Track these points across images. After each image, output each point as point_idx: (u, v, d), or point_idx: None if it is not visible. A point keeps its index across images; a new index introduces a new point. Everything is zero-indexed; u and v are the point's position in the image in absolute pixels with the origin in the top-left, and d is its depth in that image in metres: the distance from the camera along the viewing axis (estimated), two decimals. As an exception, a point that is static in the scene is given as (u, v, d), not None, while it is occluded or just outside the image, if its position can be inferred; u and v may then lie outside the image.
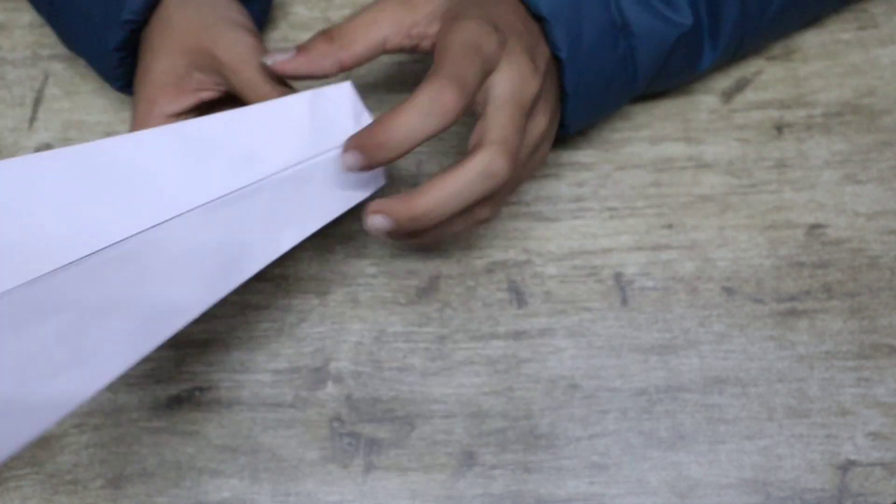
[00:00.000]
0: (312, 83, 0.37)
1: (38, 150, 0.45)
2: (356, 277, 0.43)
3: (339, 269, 0.43)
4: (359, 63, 0.35)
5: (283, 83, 0.37)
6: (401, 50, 0.36)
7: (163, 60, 0.36)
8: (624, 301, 0.42)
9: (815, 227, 0.43)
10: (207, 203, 0.33)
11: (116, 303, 0.31)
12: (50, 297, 0.29)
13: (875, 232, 0.43)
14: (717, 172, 0.44)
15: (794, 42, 0.46)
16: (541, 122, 0.35)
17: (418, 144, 0.31)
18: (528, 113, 0.33)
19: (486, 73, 0.32)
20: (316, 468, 0.40)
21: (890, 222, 0.43)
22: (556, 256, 0.43)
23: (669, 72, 0.40)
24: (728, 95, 0.45)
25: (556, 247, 0.43)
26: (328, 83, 0.36)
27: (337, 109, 0.35)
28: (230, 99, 0.38)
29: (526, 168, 0.36)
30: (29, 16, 0.47)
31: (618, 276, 0.42)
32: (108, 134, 0.46)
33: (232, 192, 0.33)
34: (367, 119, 0.36)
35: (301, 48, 0.35)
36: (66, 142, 0.45)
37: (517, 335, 0.41)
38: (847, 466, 0.39)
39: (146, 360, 0.41)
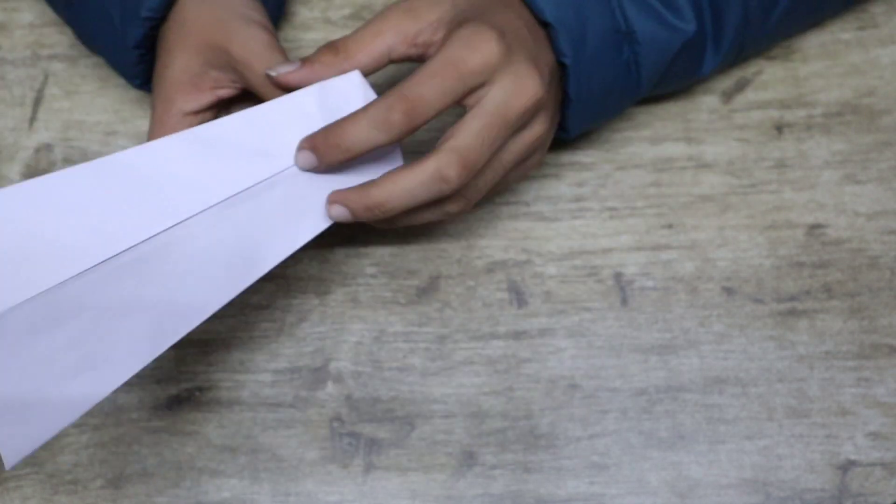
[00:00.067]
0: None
1: (37, 150, 0.45)
2: (356, 277, 0.43)
3: (339, 269, 0.43)
4: (364, 74, 0.35)
5: None
6: (408, 59, 0.36)
7: (179, 59, 0.36)
8: (624, 301, 0.42)
9: (815, 227, 0.43)
10: (220, 202, 0.33)
11: (130, 305, 0.32)
12: (65, 305, 0.30)
13: (875, 232, 0.43)
14: (718, 172, 0.44)
15: (794, 42, 0.46)
16: (537, 129, 0.36)
17: (368, 151, 0.33)
18: (514, 124, 0.34)
19: (470, 85, 0.33)
20: (316, 468, 0.40)
21: (890, 222, 0.43)
22: (556, 256, 0.43)
23: (672, 77, 0.40)
24: (728, 95, 0.45)
25: (556, 247, 0.43)
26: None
27: (346, 99, 0.35)
28: (248, 96, 0.38)
29: (516, 172, 0.37)
30: (29, 16, 0.47)
31: (618, 276, 0.42)
32: (108, 134, 0.46)
33: (245, 190, 0.34)
34: None
35: (306, 60, 0.35)
36: (66, 142, 0.45)
37: (517, 335, 0.41)
38: (847, 466, 0.39)
39: (146, 360, 0.41)
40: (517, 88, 0.34)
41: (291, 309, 0.42)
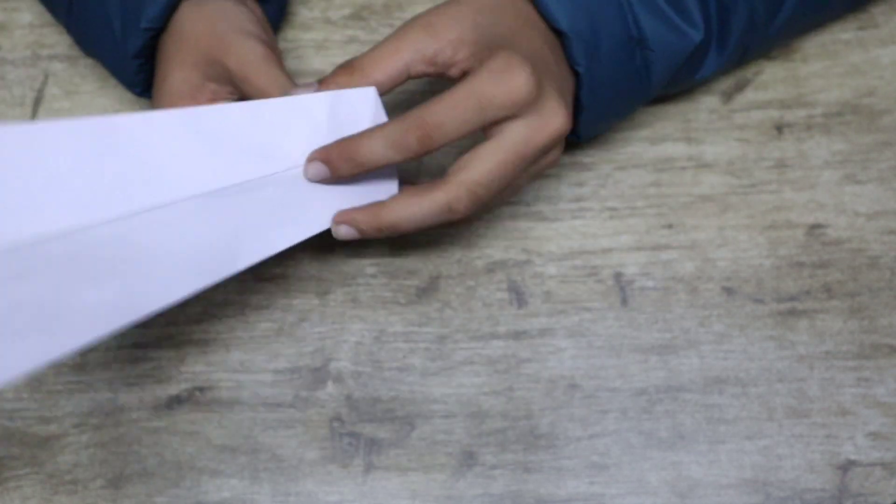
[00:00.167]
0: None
1: (38, 150, 0.45)
2: (356, 277, 0.43)
3: (339, 269, 0.43)
4: (382, 93, 0.35)
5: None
6: (426, 76, 0.36)
7: (177, 72, 0.36)
8: (624, 301, 0.42)
9: (815, 227, 0.43)
10: (209, 192, 0.33)
11: (96, 275, 0.31)
12: (31, 261, 0.29)
13: (875, 232, 0.43)
14: (718, 172, 0.44)
15: (794, 42, 0.46)
16: (554, 155, 0.36)
17: (380, 167, 0.34)
18: (532, 159, 0.35)
19: (493, 119, 0.33)
20: (316, 468, 0.40)
21: (890, 222, 0.43)
22: (556, 256, 0.43)
23: (675, 80, 0.40)
24: (728, 95, 0.45)
25: (556, 247, 0.43)
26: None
27: (356, 113, 0.35)
28: None
29: (520, 185, 0.38)
30: (29, 16, 0.47)
31: (618, 276, 0.42)
32: (108, 134, 0.46)
33: (236, 184, 0.34)
34: None
35: (322, 82, 0.35)
36: (66, 142, 0.45)
37: (517, 335, 0.41)
38: (847, 466, 0.39)
39: (146, 359, 0.41)
40: (541, 125, 0.34)
41: (291, 309, 0.42)
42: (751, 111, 0.45)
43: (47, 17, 0.47)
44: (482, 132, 0.34)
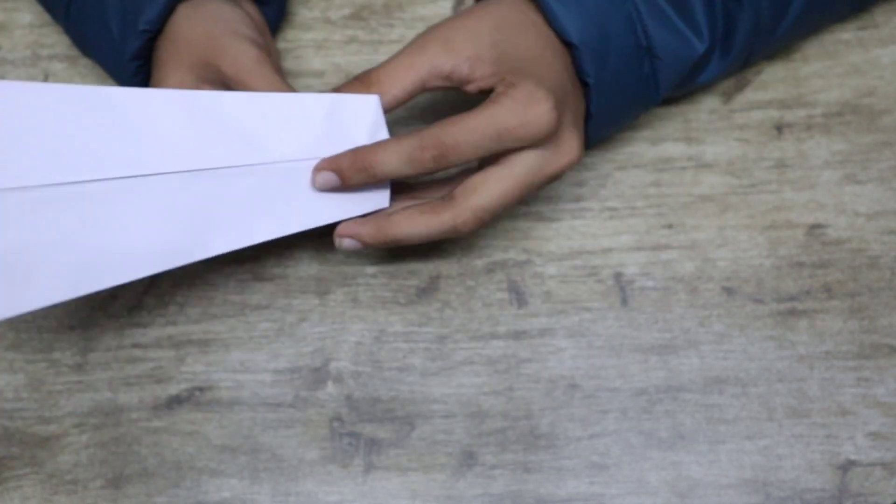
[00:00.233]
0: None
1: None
2: (356, 277, 0.43)
3: (339, 269, 0.43)
4: (396, 106, 0.35)
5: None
6: (442, 89, 0.36)
7: (172, 74, 0.37)
8: (624, 301, 0.42)
9: (815, 227, 0.43)
10: (187, 171, 0.33)
11: (62, 237, 0.31)
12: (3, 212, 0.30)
13: (875, 232, 0.43)
14: (718, 172, 0.44)
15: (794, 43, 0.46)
16: (561, 175, 0.37)
17: (391, 179, 0.35)
18: (541, 186, 0.36)
19: (509, 147, 0.34)
20: (316, 468, 0.40)
21: (890, 222, 0.43)
22: (556, 256, 0.43)
23: (680, 85, 0.40)
24: (728, 95, 0.45)
25: (556, 247, 0.43)
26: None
27: (355, 119, 0.35)
28: None
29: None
30: (29, 16, 0.47)
31: (618, 276, 0.42)
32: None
33: (216, 168, 0.34)
34: (383, 136, 0.35)
35: (337, 91, 0.35)
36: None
37: (517, 335, 0.41)
38: (847, 466, 0.39)
39: (146, 359, 0.41)
40: (554, 157, 0.35)
41: (291, 309, 0.42)
42: (751, 111, 0.45)
43: (47, 17, 0.47)
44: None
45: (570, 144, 0.35)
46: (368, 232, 0.36)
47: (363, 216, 0.37)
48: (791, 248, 0.43)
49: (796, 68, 0.46)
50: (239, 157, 0.34)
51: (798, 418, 0.40)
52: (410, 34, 0.46)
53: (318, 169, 0.35)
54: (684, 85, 0.41)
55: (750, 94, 0.45)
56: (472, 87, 0.35)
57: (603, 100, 0.37)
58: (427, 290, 0.42)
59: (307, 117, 0.35)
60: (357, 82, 0.35)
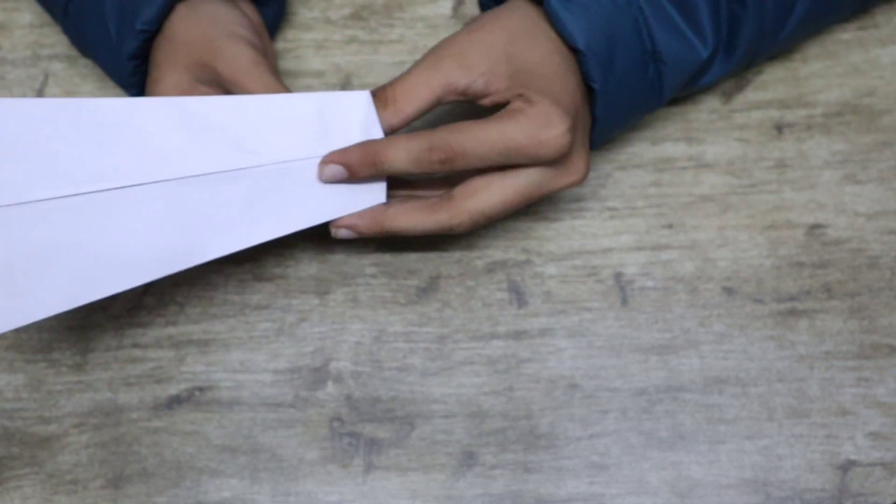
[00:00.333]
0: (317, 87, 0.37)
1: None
2: (356, 277, 0.43)
3: (339, 269, 0.43)
4: (410, 123, 0.36)
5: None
6: (455, 102, 0.36)
7: (168, 75, 0.37)
8: (624, 301, 0.42)
9: (815, 227, 0.43)
10: (181, 178, 0.33)
11: (60, 248, 0.32)
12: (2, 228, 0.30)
13: (875, 232, 0.43)
14: (718, 172, 0.44)
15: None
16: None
17: (396, 175, 0.35)
18: (540, 199, 0.36)
19: (517, 162, 0.34)
20: (316, 468, 0.40)
21: (890, 222, 0.43)
22: (556, 256, 0.43)
23: (683, 87, 0.40)
24: (728, 95, 0.45)
25: (556, 247, 0.43)
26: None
27: (346, 117, 0.35)
28: None
29: None
30: (29, 16, 0.47)
31: (618, 276, 0.42)
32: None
33: (210, 174, 0.34)
34: (377, 133, 0.35)
35: None
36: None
37: (517, 335, 0.41)
38: (847, 466, 0.39)
39: (146, 359, 0.41)
40: (559, 176, 0.36)
41: (291, 309, 0.42)
42: (751, 111, 0.45)
43: (47, 17, 0.47)
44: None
45: (577, 165, 0.36)
46: (365, 224, 0.36)
47: None
48: (791, 248, 0.43)
49: (796, 68, 0.46)
50: (232, 161, 0.34)
51: (798, 418, 0.40)
52: (410, 34, 0.46)
53: (326, 161, 0.35)
54: (687, 87, 0.41)
55: (750, 94, 0.45)
56: (487, 101, 0.35)
57: (608, 105, 0.37)
58: (427, 290, 0.42)
59: (298, 117, 0.35)
60: (375, 99, 0.35)
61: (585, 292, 0.42)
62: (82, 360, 0.41)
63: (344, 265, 0.43)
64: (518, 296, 0.42)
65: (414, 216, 0.36)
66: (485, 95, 0.35)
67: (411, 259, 0.43)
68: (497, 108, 0.35)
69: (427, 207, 0.36)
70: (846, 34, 0.46)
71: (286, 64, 0.46)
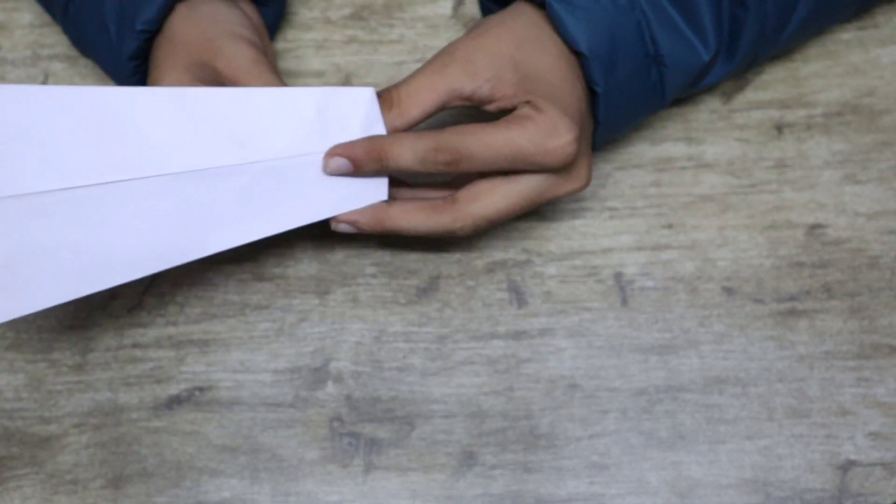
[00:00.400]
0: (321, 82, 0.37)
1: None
2: (356, 277, 0.43)
3: (339, 269, 0.43)
4: (414, 126, 0.36)
5: None
6: (460, 107, 0.36)
7: (169, 75, 0.37)
8: (624, 301, 0.42)
9: (815, 227, 0.43)
10: (180, 172, 0.33)
11: (63, 240, 0.32)
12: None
13: (875, 232, 0.43)
14: (718, 172, 0.44)
15: (794, 42, 0.46)
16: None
17: (400, 173, 0.35)
18: (541, 205, 0.36)
19: (521, 168, 0.34)
20: (316, 468, 0.40)
21: (890, 222, 0.43)
22: (556, 256, 0.43)
23: (685, 89, 0.41)
24: (728, 95, 0.45)
25: (556, 247, 0.43)
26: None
27: (347, 113, 0.35)
28: None
29: None
30: (29, 16, 0.48)
31: (618, 276, 0.42)
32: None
33: (209, 168, 0.34)
34: (379, 129, 0.35)
35: None
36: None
37: (517, 335, 0.41)
38: (847, 466, 0.39)
39: (146, 359, 0.41)
40: (562, 183, 0.36)
41: (291, 309, 0.42)
42: (751, 111, 0.45)
43: (47, 17, 0.47)
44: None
45: (580, 172, 0.36)
46: (366, 220, 0.36)
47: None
48: (791, 248, 0.43)
49: (796, 68, 0.46)
50: (232, 155, 0.34)
51: (798, 418, 0.40)
52: (410, 34, 0.46)
53: (332, 154, 0.35)
54: (689, 89, 0.41)
55: (750, 94, 0.45)
56: (492, 107, 0.35)
57: (610, 108, 0.37)
58: (427, 290, 0.42)
59: (299, 112, 0.34)
60: (381, 102, 0.35)
61: (585, 292, 0.42)
62: (82, 360, 0.41)
63: (344, 265, 0.43)
64: (518, 296, 0.42)
65: (416, 217, 0.36)
66: (490, 101, 0.35)
67: (411, 259, 0.43)
68: (503, 113, 0.35)
69: (430, 209, 0.36)
70: (846, 34, 0.46)
71: (286, 64, 0.46)
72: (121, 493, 0.39)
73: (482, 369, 0.41)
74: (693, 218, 0.43)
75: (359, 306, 0.42)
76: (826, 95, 0.45)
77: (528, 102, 0.34)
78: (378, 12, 0.47)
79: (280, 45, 0.46)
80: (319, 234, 0.43)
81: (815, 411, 0.40)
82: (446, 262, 0.43)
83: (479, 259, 0.43)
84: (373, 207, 0.36)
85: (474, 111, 0.37)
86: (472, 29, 0.37)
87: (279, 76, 0.37)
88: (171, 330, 0.42)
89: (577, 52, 0.36)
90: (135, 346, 0.42)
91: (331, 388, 0.41)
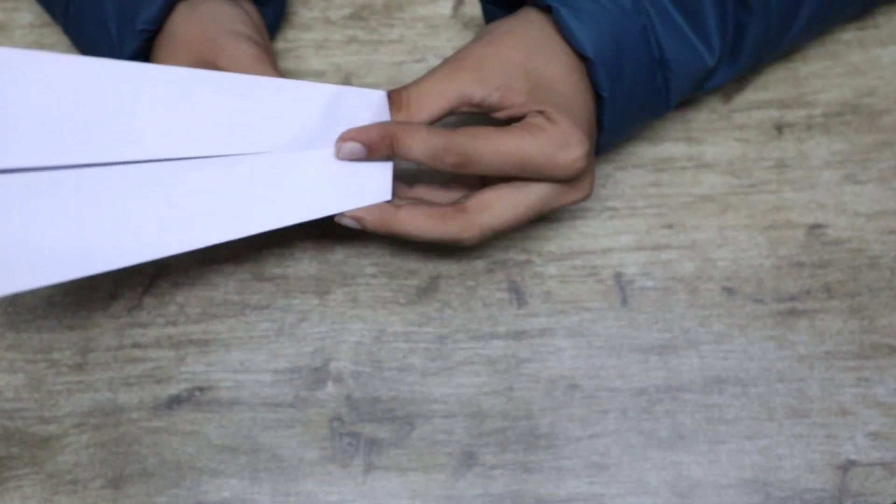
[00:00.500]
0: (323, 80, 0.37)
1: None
2: (356, 277, 0.43)
3: (339, 269, 0.43)
4: None
5: None
6: (468, 113, 0.36)
7: None
8: (624, 301, 0.42)
9: (815, 227, 0.43)
10: (183, 158, 0.33)
11: (62, 220, 0.31)
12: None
13: (875, 232, 0.43)
14: (718, 172, 0.44)
15: (794, 42, 0.46)
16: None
17: (408, 160, 0.35)
18: (545, 213, 0.37)
19: (529, 176, 0.35)
20: (316, 468, 0.40)
21: (890, 222, 0.43)
22: (556, 256, 0.43)
23: (689, 92, 0.41)
24: (728, 95, 0.45)
25: (556, 247, 0.43)
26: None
27: (356, 112, 0.35)
28: None
29: None
30: (29, 16, 0.47)
31: (618, 276, 0.42)
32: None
33: (213, 156, 0.33)
34: None
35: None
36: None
37: (517, 335, 0.41)
38: (847, 466, 0.39)
39: (146, 359, 0.41)
40: (568, 193, 0.36)
41: (291, 309, 0.42)
42: (751, 111, 0.45)
43: (47, 17, 0.47)
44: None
45: (583, 187, 0.36)
46: (372, 219, 0.36)
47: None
48: (791, 248, 0.43)
49: (796, 68, 0.46)
50: (236, 144, 0.34)
51: (798, 418, 0.40)
52: (410, 34, 0.46)
53: (345, 139, 0.35)
54: (692, 92, 0.41)
55: (750, 94, 0.45)
56: (501, 115, 0.35)
57: (616, 113, 0.37)
58: (427, 290, 0.42)
59: (309, 106, 0.34)
60: (391, 102, 0.35)
61: (585, 292, 0.42)
62: (82, 360, 0.41)
63: (344, 265, 0.43)
64: (518, 296, 0.42)
65: (424, 222, 0.35)
66: (500, 109, 0.35)
67: (411, 259, 0.43)
68: (512, 121, 0.35)
69: (438, 215, 0.35)
70: (846, 34, 0.46)
71: (286, 64, 0.46)
72: (121, 493, 0.39)
73: (482, 369, 0.41)
74: (693, 218, 0.43)
75: (359, 306, 0.42)
76: (826, 95, 0.45)
77: (540, 112, 0.34)
78: (378, 12, 0.47)
79: (280, 45, 0.46)
80: (319, 234, 0.43)
81: (815, 411, 0.40)
82: (446, 262, 0.43)
83: (479, 259, 0.43)
84: (380, 207, 0.36)
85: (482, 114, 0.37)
86: (481, 36, 0.37)
87: (281, 74, 0.37)
88: (171, 330, 0.42)
89: (584, 58, 0.36)
90: (135, 346, 0.42)
91: (331, 388, 0.41)
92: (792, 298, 0.42)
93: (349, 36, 0.46)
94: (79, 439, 0.40)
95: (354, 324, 0.42)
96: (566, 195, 0.36)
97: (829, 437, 0.40)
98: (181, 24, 0.37)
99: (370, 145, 0.34)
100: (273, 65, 0.37)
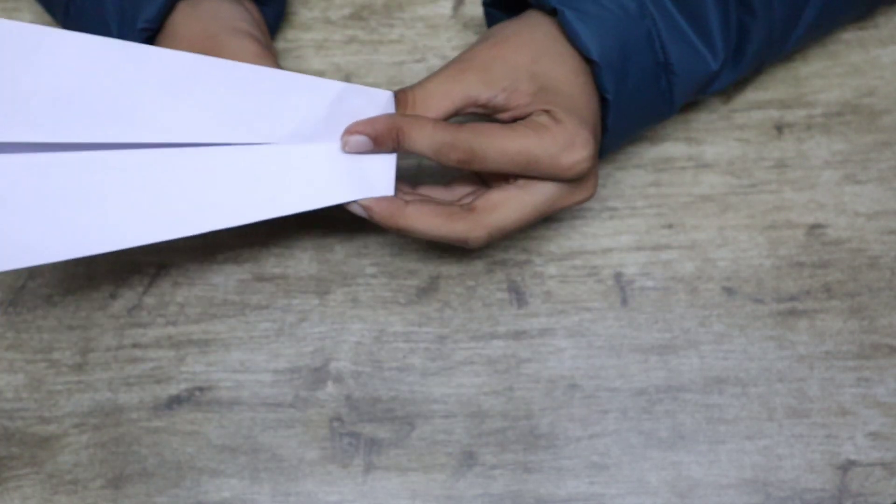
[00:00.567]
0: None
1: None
2: (356, 277, 0.43)
3: (339, 269, 0.43)
4: None
5: None
6: (473, 114, 0.36)
7: None
8: (624, 301, 0.42)
9: (815, 227, 0.43)
10: (178, 145, 0.33)
11: (59, 201, 0.31)
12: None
13: (875, 232, 0.43)
14: (718, 172, 0.44)
15: (794, 42, 0.46)
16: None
17: (413, 153, 0.35)
18: (549, 214, 0.36)
19: (533, 175, 0.34)
20: (316, 468, 0.40)
21: (890, 222, 0.43)
22: (556, 256, 0.43)
23: (692, 96, 0.41)
24: (728, 95, 0.45)
25: (556, 247, 0.43)
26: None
27: (362, 110, 0.35)
28: None
29: None
30: (29, 16, 0.47)
31: (618, 276, 0.42)
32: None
33: (217, 144, 0.33)
34: None
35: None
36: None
37: (517, 335, 0.41)
38: (847, 466, 0.39)
39: (146, 359, 0.41)
40: (572, 194, 0.36)
41: (291, 309, 0.42)
42: (751, 111, 0.45)
43: (47, 17, 0.47)
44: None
45: (589, 183, 0.36)
46: (380, 210, 0.35)
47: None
48: (791, 248, 0.43)
49: (796, 68, 0.46)
50: (241, 133, 0.34)
51: (798, 418, 0.40)
52: (410, 34, 0.46)
53: (352, 131, 0.34)
54: (695, 96, 0.41)
55: (750, 94, 0.45)
56: (506, 116, 0.35)
57: (620, 116, 0.37)
58: (427, 290, 0.42)
59: (315, 100, 0.34)
60: (397, 103, 0.35)
61: (585, 292, 0.42)
62: (82, 360, 0.41)
63: (344, 265, 0.43)
64: (518, 296, 0.42)
65: (432, 221, 0.35)
66: (505, 110, 0.35)
67: (411, 259, 0.43)
68: (517, 121, 0.35)
69: (446, 215, 0.35)
70: (846, 34, 0.46)
71: (286, 64, 0.46)
72: (121, 493, 0.39)
73: (482, 369, 0.41)
74: (693, 218, 0.43)
75: (359, 306, 0.42)
76: (826, 95, 0.45)
77: (546, 112, 0.34)
78: (378, 12, 0.47)
79: (280, 45, 0.46)
80: (319, 234, 0.43)
81: (815, 411, 0.40)
82: (446, 262, 0.43)
83: (479, 259, 0.43)
84: (389, 200, 0.35)
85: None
86: (487, 38, 0.37)
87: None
88: (171, 330, 0.42)
89: (589, 61, 0.36)
90: (135, 346, 0.42)
91: (331, 388, 0.41)
92: (792, 298, 0.42)
93: (349, 36, 0.46)
94: (79, 439, 0.40)
95: (354, 324, 0.42)
96: (571, 195, 0.36)
97: (829, 437, 0.40)
98: (182, 22, 0.37)
99: (376, 137, 0.34)
100: (275, 62, 0.37)
